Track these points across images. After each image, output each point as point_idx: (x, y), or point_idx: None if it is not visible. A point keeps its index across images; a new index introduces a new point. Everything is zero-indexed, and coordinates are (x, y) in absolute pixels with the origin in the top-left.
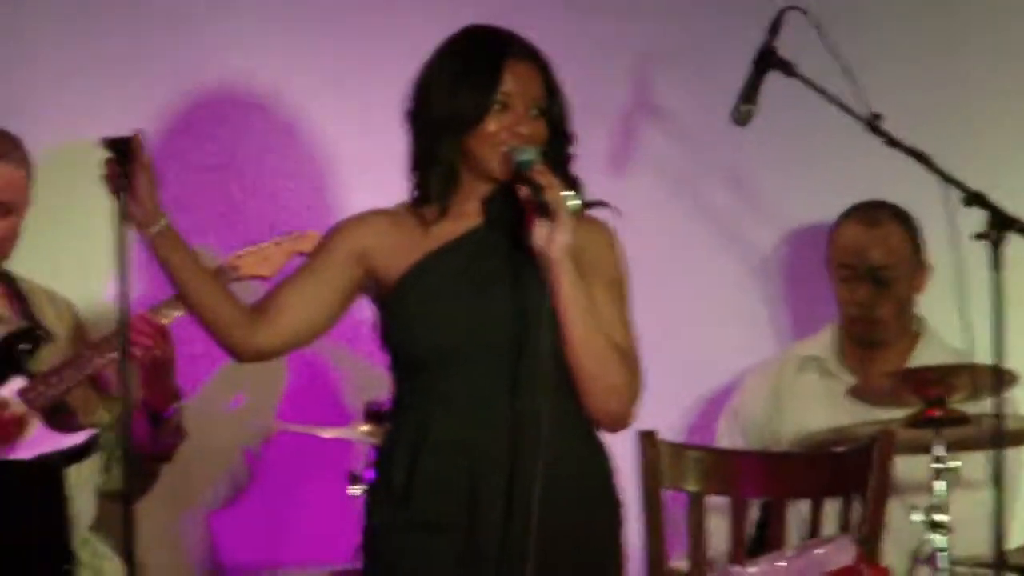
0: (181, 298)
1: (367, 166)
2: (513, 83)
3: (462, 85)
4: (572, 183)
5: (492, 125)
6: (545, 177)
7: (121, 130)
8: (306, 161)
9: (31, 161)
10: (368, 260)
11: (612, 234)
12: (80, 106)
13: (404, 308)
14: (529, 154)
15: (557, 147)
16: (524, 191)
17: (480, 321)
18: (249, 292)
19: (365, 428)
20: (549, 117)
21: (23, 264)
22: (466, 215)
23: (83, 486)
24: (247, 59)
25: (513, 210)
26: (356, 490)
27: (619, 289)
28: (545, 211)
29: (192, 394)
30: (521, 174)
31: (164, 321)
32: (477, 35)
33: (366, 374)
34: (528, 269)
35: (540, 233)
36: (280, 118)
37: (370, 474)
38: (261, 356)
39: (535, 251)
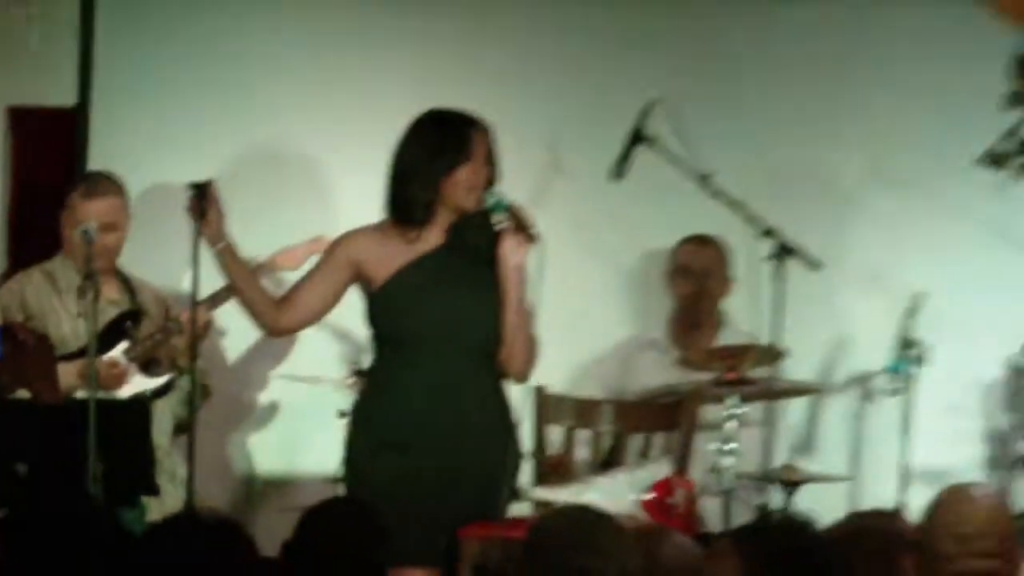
0: (234, 293)
1: (358, 194)
2: (476, 144)
3: (440, 146)
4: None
5: (462, 174)
6: (525, 213)
7: (199, 176)
8: (318, 191)
9: (126, 190)
10: (361, 266)
11: None
12: (165, 156)
13: (392, 301)
14: (502, 196)
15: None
16: (504, 222)
17: (451, 312)
18: (279, 282)
19: (351, 381)
20: (491, 167)
21: (131, 265)
22: (434, 236)
23: (165, 412)
24: (279, 121)
25: (477, 233)
26: (343, 423)
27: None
28: (530, 236)
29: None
30: (505, 211)
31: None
32: (447, 114)
33: (347, 344)
34: (484, 276)
35: (510, 249)
36: (297, 159)
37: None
38: (285, 333)
39: (502, 261)
